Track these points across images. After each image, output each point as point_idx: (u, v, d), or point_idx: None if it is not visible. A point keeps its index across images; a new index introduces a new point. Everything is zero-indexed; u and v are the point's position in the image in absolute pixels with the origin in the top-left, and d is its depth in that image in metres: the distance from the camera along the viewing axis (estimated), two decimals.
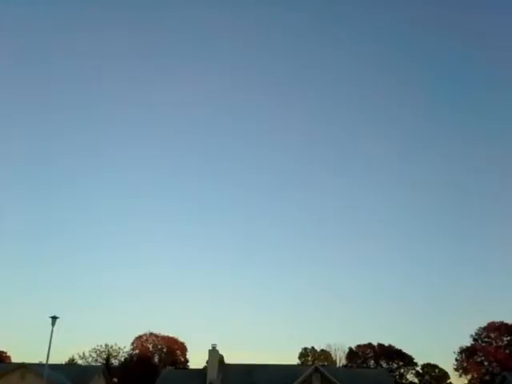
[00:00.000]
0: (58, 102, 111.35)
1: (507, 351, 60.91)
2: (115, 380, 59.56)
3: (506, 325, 62.58)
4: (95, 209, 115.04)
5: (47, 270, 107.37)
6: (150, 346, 72.14)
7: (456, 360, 64.93)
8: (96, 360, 66.95)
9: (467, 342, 65.41)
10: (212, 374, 39.95)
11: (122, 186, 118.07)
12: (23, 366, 37.55)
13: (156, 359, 70.31)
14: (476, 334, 64.74)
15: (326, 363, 62.96)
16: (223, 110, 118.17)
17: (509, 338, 62.58)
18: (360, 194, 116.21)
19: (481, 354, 62.51)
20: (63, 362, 59.14)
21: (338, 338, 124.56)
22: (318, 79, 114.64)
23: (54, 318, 30.69)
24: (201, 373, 43.15)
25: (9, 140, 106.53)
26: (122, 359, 69.35)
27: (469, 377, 63.08)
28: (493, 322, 63.77)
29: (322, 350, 72.43)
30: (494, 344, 63.01)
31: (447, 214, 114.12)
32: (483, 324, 64.64)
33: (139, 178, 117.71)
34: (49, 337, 30.26)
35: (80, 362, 65.79)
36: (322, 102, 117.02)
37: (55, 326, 30.55)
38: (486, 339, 64.12)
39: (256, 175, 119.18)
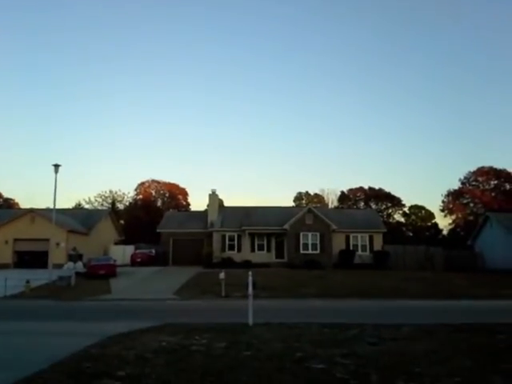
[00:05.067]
0: None
1: (493, 194, 63.88)
2: (122, 222, 63.03)
3: (495, 170, 64.52)
4: (95, 48, 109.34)
5: (49, 118, 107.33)
6: (153, 192, 75.49)
7: (443, 202, 68.43)
8: (102, 205, 69.64)
9: (455, 185, 68.32)
10: (213, 216, 42.47)
11: (122, 15, 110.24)
12: (32, 211, 39.22)
13: (159, 203, 74.08)
14: (465, 178, 67.22)
15: (318, 205, 65.98)
16: None
17: (496, 182, 65.11)
18: (351, 31, 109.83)
19: (467, 197, 65.58)
20: (70, 207, 61.79)
21: (331, 183, 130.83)
22: None
23: (57, 166, 31.45)
24: (202, 215, 45.84)
25: None
26: (127, 204, 72.85)
27: (453, 217, 67.09)
28: (482, 167, 65.70)
29: (316, 194, 75.44)
30: (481, 187, 65.80)
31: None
32: (473, 169, 66.96)
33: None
34: (53, 184, 31.44)
35: (86, 206, 68.55)
36: None
37: (59, 174, 31.57)
38: (474, 183, 66.69)
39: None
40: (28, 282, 24.38)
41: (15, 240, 37.95)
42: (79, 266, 31.51)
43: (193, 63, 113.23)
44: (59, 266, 30.94)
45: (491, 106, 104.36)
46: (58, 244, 35.62)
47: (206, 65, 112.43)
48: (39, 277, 27.67)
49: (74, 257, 34.51)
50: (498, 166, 64.93)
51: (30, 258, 37.27)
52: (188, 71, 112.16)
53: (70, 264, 30.87)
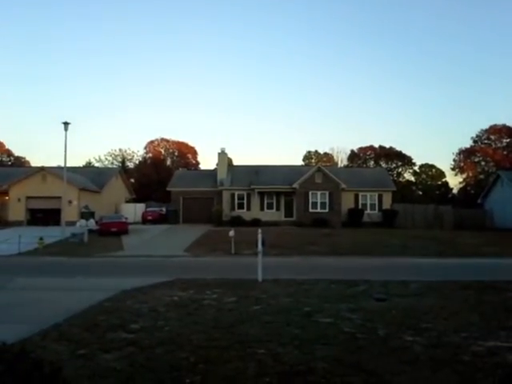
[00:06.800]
0: None
1: (505, 152, 62.88)
2: (132, 180, 63.38)
3: (508, 127, 63.09)
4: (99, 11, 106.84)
5: (59, 75, 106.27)
6: (162, 151, 75.36)
7: (454, 160, 67.28)
8: (112, 163, 69.88)
9: (467, 144, 67.10)
10: (222, 175, 42.51)
11: None
12: (43, 169, 39.42)
13: (168, 162, 74.11)
14: (477, 136, 65.80)
15: (328, 164, 65.53)
16: None
17: (508, 140, 63.84)
18: None
19: (479, 155, 64.44)
20: (81, 166, 62.09)
21: (341, 142, 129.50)
22: None
23: (66, 124, 31.59)
24: (211, 173, 45.90)
25: None
26: (137, 162, 73.01)
27: (464, 176, 66.23)
28: (495, 125, 64.28)
29: (325, 153, 74.90)
30: (494, 146, 64.70)
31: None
32: (485, 127, 65.56)
33: None
34: (63, 142, 31.71)
35: (97, 165, 68.65)
36: None
37: (69, 132, 31.82)
38: (486, 141, 65.43)
39: None
40: (41, 238, 24.84)
41: (27, 198, 38.37)
42: (91, 223, 32.00)
43: (202, 21, 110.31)
44: (72, 224, 31.48)
45: (506, 62, 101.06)
46: (70, 202, 36.07)
47: (214, 22, 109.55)
48: (52, 234, 28.21)
49: (86, 214, 34.99)
50: (511, 123, 63.61)
51: (43, 215, 37.81)
52: (197, 30, 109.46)
53: (83, 221, 31.36)
